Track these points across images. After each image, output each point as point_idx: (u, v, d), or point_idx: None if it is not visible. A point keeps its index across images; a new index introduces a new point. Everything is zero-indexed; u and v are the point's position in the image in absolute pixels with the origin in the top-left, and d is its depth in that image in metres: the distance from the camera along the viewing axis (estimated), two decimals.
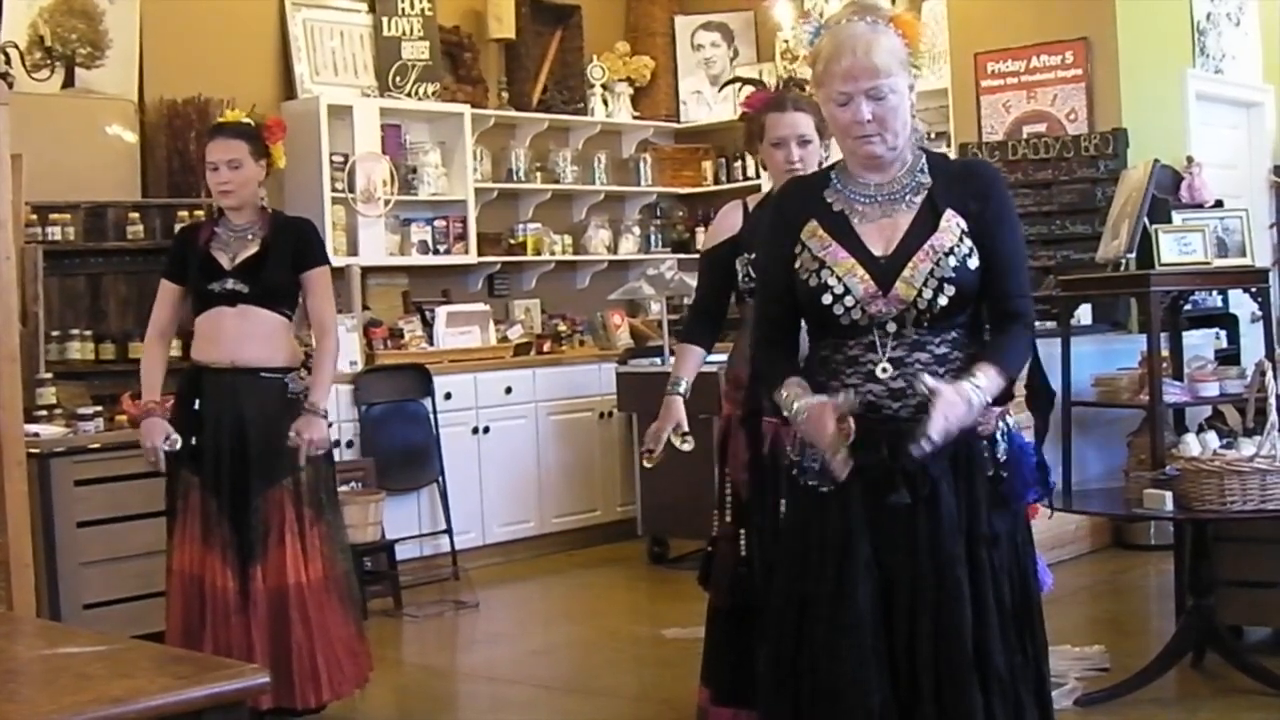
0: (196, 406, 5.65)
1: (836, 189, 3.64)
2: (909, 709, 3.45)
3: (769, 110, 5.00)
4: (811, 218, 3.61)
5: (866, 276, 3.51)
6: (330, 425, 6.14)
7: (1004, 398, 3.53)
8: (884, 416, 3.50)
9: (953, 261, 3.49)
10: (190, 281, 5.70)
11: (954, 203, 3.54)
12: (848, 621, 3.46)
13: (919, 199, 3.57)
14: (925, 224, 3.52)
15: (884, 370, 3.51)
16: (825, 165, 4.00)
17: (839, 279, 3.52)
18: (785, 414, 3.59)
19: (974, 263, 3.52)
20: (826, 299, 3.53)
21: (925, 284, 3.48)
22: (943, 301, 3.48)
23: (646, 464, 5.24)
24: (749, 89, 5.31)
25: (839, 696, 3.46)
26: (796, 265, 3.59)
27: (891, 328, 3.52)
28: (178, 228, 6.67)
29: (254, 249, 5.64)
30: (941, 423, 3.32)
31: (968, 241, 3.52)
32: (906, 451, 3.41)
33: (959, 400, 3.35)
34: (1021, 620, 3.55)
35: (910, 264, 3.50)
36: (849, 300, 3.51)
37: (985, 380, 3.42)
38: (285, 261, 5.63)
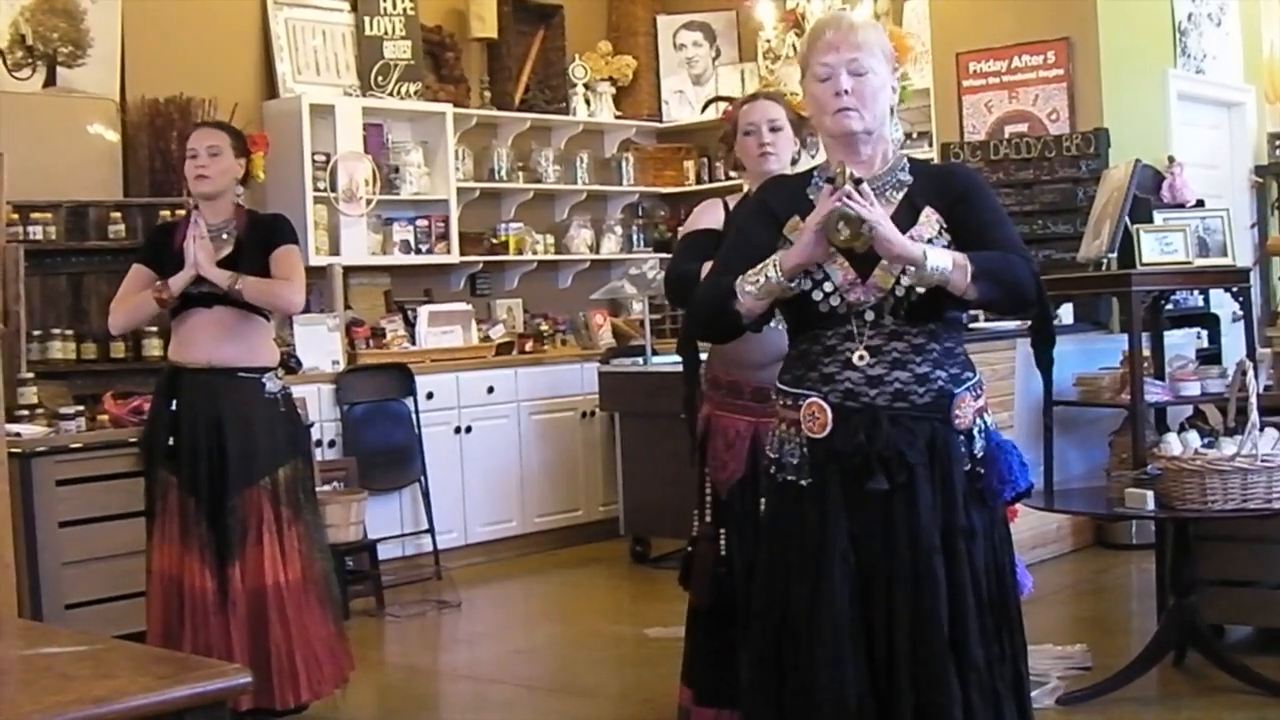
0: (174, 407, 5.64)
1: (819, 186, 3.67)
2: (888, 702, 3.47)
3: (742, 106, 5.05)
4: (795, 214, 3.64)
5: (846, 264, 3.54)
6: (311, 425, 6.14)
7: (995, 301, 3.57)
8: (861, 404, 3.52)
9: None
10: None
11: (933, 200, 3.58)
12: (825, 617, 3.47)
13: (899, 196, 3.62)
14: (904, 218, 3.56)
15: (860, 358, 3.53)
16: (807, 167, 4.01)
17: (819, 265, 3.54)
18: (757, 284, 3.57)
19: None
20: (806, 284, 3.55)
21: (904, 271, 3.50)
22: (920, 290, 3.50)
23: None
24: (726, 106, 5.34)
25: (817, 692, 3.47)
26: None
27: (870, 316, 3.55)
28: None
29: (228, 249, 5.62)
30: (869, 209, 3.41)
31: (946, 235, 3.55)
32: (884, 436, 3.44)
33: (896, 232, 3.44)
34: (999, 616, 3.56)
35: None
36: (828, 286, 3.54)
37: (942, 250, 3.47)
38: (259, 259, 5.61)
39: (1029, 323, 3.93)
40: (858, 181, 3.45)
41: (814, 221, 3.47)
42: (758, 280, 3.56)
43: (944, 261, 3.44)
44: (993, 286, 3.50)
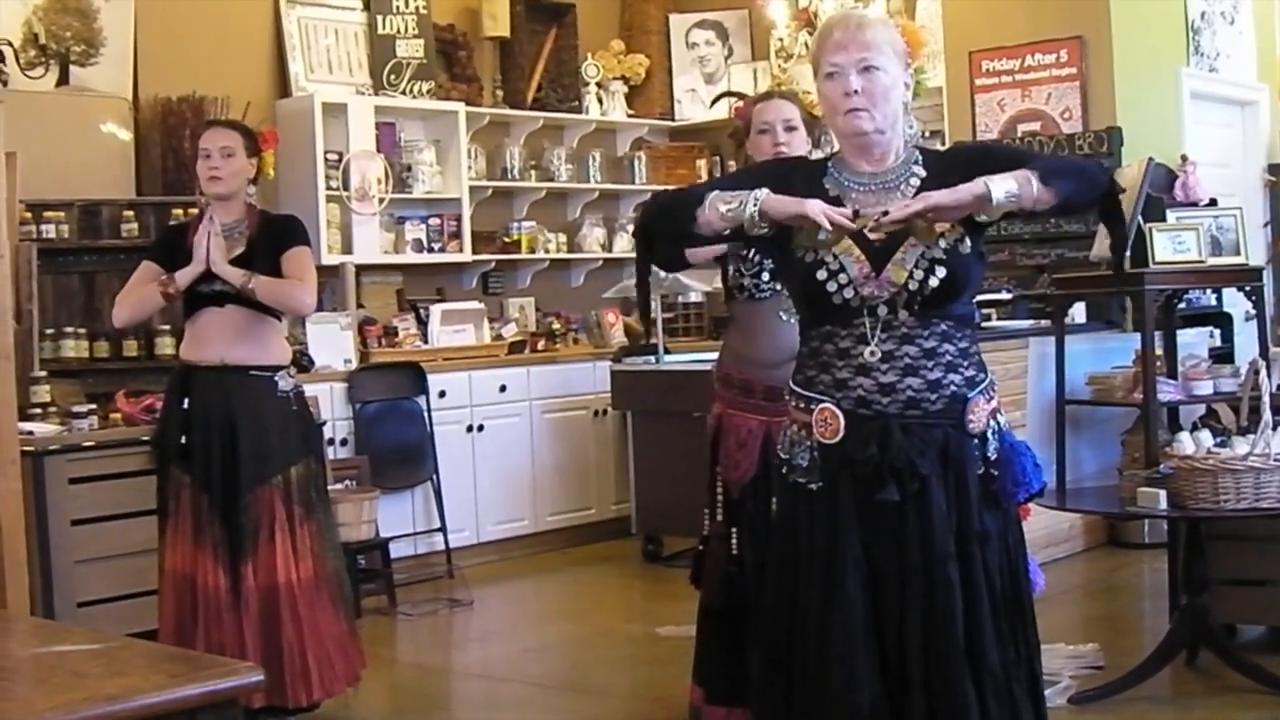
0: (186, 405, 5.64)
1: (833, 177, 3.68)
2: (900, 705, 3.46)
3: (755, 104, 5.05)
4: (811, 196, 3.62)
5: (862, 256, 3.53)
6: (323, 424, 6.14)
7: (1062, 205, 3.55)
8: (873, 412, 3.51)
9: (944, 244, 3.52)
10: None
11: (945, 188, 3.55)
12: (837, 618, 3.47)
13: (913, 189, 3.60)
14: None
15: (873, 354, 3.52)
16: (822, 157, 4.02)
17: (835, 256, 3.55)
18: (729, 206, 3.58)
19: (965, 248, 3.54)
20: (821, 274, 3.55)
21: (917, 265, 3.51)
22: (934, 283, 3.50)
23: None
24: (736, 102, 5.35)
25: (829, 694, 3.47)
26: (792, 243, 3.61)
27: (883, 312, 3.53)
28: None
29: (240, 248, 5.62)
30: (912, 205, 3.45)
31: (960, 228, 3.53)
32: (896, 447, 3.44)
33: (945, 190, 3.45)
34: (1013, 617, 3.55)
35: (902, 247, 3.52)
36: (843, 278, 3.54)
37: (999, 176, 3.47)
38: (271, 259, 5.61)
39: (1099, 207, 3.83)
40: (884, 213, 3.45)
41: (819, 209, 3.46)
42: (733, 203, 3.57)
43: (1008, 185, 3.44)
44: (1066, 180, 3.51)
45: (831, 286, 3.55)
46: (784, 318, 4.70)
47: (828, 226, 3.45)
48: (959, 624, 3.44)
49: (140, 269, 5.74)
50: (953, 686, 3.43)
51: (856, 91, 3.55)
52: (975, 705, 3.43)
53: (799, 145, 4.93)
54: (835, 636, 3.47)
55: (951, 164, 3.68)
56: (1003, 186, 3.43)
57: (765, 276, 4.80)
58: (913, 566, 3.47)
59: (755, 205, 3.53)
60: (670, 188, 10.59)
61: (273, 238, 5.67)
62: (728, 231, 3.65)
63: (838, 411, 3.53)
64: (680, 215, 3.69)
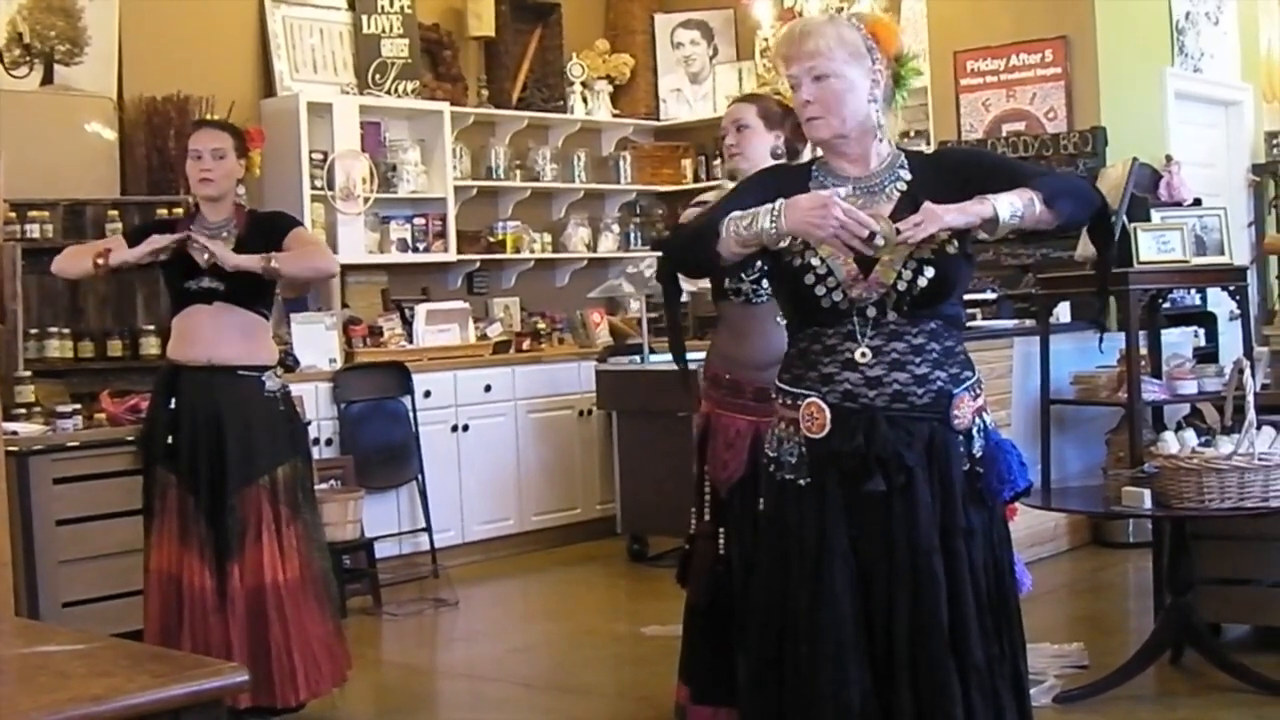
0: (173, 405, 5.63)
1: (818, 180, 3.69)
2: (889, 701, 3.47)
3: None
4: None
5: (849, 259, 3.53)
6: (308, 423, 6.12)
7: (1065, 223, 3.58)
8: (860, 405, 3.52)
9: (932, 244, 3.51)
10: (166, 280, 5.70)
11: (931, 193, 3.55)
12: (826, 616, 3.47)
13: (898, 193, 3.62)
14: (904, 213, 3.52)
15: (863, 355, 3.53)
16: (805, 160, 4.03)
17: (822, 260, 3.55)
18: (747, 227, 3.53)
19: (953, 249, 3.54)
20: (809, 279, 3.56)
21: (905, 265, 3.51)
22: (922, 283, 3.51)
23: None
24: None
25: (820, 692, 3.47)
26: (779, 248, 3.62)
27: (872, 313, 3.54)
28: None
29: (230, 247, 5.61)
30: (922, 228, 3.41)
31: (947, 231, 3.53)
32: (882, 438, 3.44)
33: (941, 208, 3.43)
34: (998, 615, 3.56)
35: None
36: (831, 281, 3.54)
37: (1004, 195, 3.48)
38: (263, 252, 5.60)
39: (1089, 224, 3.84)
40: (897, 232, 3.46)
41: (835, 235, 3.44)
42: (749, 223, 3.53)
43: (1014, 207, 3.45)
44: (1068, 200, 3.54)
45: (820, 290, 3.55)
46: (780, 322, 4.70)
47: (845, 257, 3.46)
48: (944, 619, 3.45)
49: (108, 238, 5.75)
50: (938, 683, 3.43)
51: (809, 101, 3.57)
52: (960, 700, 3.44)
53: (751, 144, 4.95)
54: (825, 635, 3.47)
55: (937, 168, 3.69)
56: (1009, 209, 3.44)
57: (765, 283, 4.79)
58: (899, 562, 3.47)
59: (775, 222, 3.48)
60: (659, 187, 10.63)
61: (264, 233, 5.67)
62: (748, 259, 3.66)
63: (824, 406, 3.54)
64: (702, 250, 3.66)
